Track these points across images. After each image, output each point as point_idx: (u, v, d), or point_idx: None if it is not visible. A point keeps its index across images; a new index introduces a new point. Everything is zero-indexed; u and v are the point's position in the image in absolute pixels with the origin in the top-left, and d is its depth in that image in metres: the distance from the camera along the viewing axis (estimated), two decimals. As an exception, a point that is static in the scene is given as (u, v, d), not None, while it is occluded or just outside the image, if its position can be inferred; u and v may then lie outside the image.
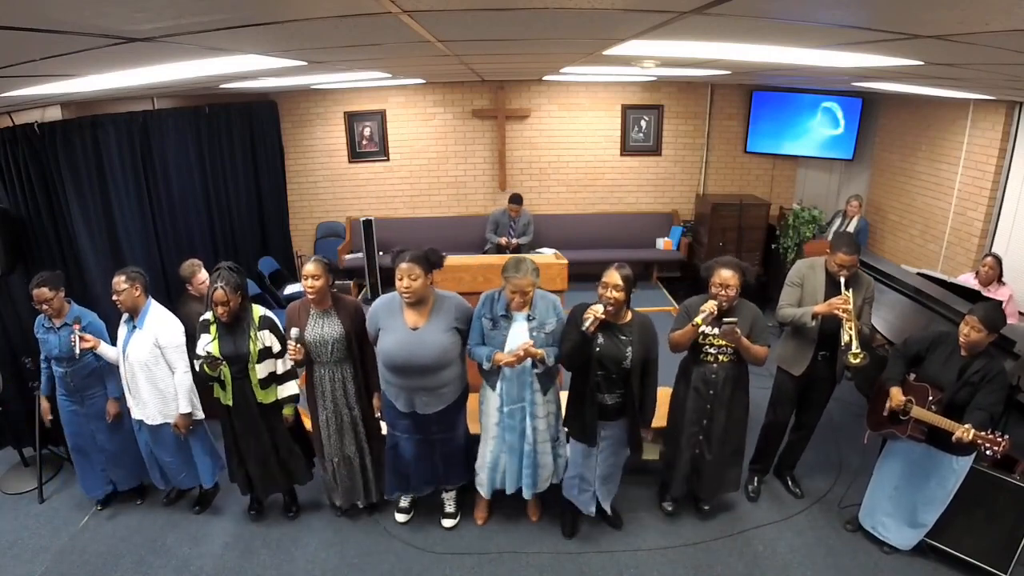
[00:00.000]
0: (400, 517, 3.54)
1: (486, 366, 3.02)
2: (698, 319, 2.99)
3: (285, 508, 3.62)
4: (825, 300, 3.27)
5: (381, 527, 3.51)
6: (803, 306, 3.35)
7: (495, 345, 3.04)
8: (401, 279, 2.92)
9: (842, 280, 3.21)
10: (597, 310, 2.80)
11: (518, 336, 3.01)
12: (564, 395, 3.27)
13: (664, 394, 3.32)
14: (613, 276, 2.88)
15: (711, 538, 3.40)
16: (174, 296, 4.69)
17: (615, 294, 2.87)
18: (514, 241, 6.99)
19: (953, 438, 2.70)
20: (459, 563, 3.25)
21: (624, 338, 2.96)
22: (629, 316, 3.01)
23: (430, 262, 2.98)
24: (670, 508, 3.58)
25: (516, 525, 3.50)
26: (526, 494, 3.33)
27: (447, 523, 3.49)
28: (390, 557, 3.29)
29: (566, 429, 3.25)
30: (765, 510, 3.63)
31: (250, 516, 3.57)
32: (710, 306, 2.99)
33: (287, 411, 3.32)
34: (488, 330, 3.05)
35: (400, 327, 3.01)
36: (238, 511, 3.65)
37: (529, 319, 3.04)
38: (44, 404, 3.57)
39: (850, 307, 3.14)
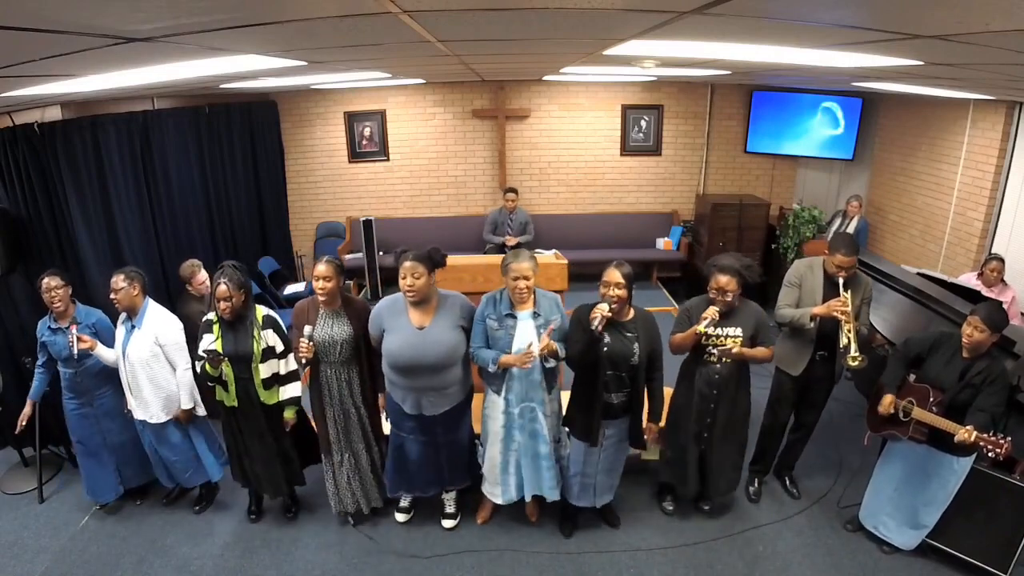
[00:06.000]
0: (400, 517, 3.54)
1: (492, 369, 2.99)
2: (700, 327, 2.98)
3: (285, 508, 3.62)
4: (823, 301, 3.26)
5: (381, 527, 3.51)
6: (801, 306, 3.35)
7: (501, 346, 3.02)
8: (404, 278, 2.92)
9: (840, 281, 3.20)
10: (603, 309, 2.80)
11: (525, 334, 3.00)
12: (564, 394, 3.27)
13: (667, 393, 3.31)
14: (614, 274, 2.88)
15: (711, 538, 3.40)
16: (174, 296, 4.69)
17: (618, 292, 2.86)
18: (513, 239, 6.95)
19: (955, 439, 2.70)
20: (459, 563, 3.25)
21: (630, 335, 2.97)
22: (632, 313, 3.01)
23: (433, 261, 2.98)
24: (670, 508, 3.59)
25: (515, 525, 3.50)
26: (552, 496, 3.29)
27: (447, 523, 3.49)
28: (390, 557, 3.29)
29: (567, 429, 3.25)
30: (765, 510, 3.63)
31: (249, 519, 3.57)
32: (712, 312, 2.98)
33: (288, 413, 3.29)
34: (493, 331, 3.03)
35: (405, 327, 3.00)
36: (238, 511, 3.65)
37: (535, 316, 3.03)
38: (27, 408, 3.50)
39: (848, 309, 3.12)
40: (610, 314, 2.82)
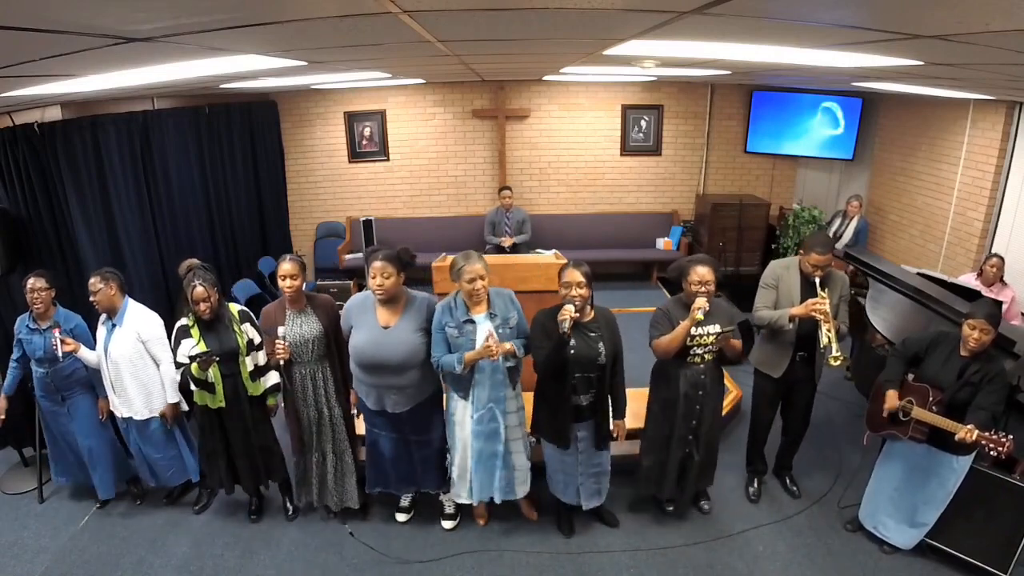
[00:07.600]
0: (401, 517, 3.55)
1: (459, 369, 2.95)
2: (699, 316, 2.96)
3: (284, 509, 3.62)
4: (801, 301, 3.23)
5: (381, 528, 3.51)
6: (779, 307, 3.32)
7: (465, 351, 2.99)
8: (374, 277, 2.94)
9: (817, 280, 3.18)
10: (570, 310, 2.80)
11: (485, 337, 2.99)
12: (526, 395, 3.26)
13: (636, 395, 3.30)
14: (574, 274, 2.88)
15: (711, 538, 3.40)
16: (174, 296, 4.69)
17: (580, 291, 2.87)
18: (510, 240, 6.94)
19: (956, 438, 2.70)
20: (459, 563, 3.25)
21: (594, 334, 2.98)
22: (592, 313, 3.03)
23: (402, 261, 3.01)
24: (670, 508, 3.58)
25: (515, 525, 3.50)
26: (498, 498, 3.26)
27: (447, 524, 3.49)
28: (390, 557, 3.28)
29: (533, 438, 3.26)
30: (765, 510, 3.63)
31: (250, 519, 3.57)
32: (702, 303, 2.97)
33: (271, 401, 3.37)
34: (454, 338, 3.00)
35: (371, 325, 3.03)
36: (238, 511, 3.65)
37: (491, 317, 3.02)
38: (1, 402, 3.53)
39: (827, 308, 3.10)
40: (578, 315, 2.83)
